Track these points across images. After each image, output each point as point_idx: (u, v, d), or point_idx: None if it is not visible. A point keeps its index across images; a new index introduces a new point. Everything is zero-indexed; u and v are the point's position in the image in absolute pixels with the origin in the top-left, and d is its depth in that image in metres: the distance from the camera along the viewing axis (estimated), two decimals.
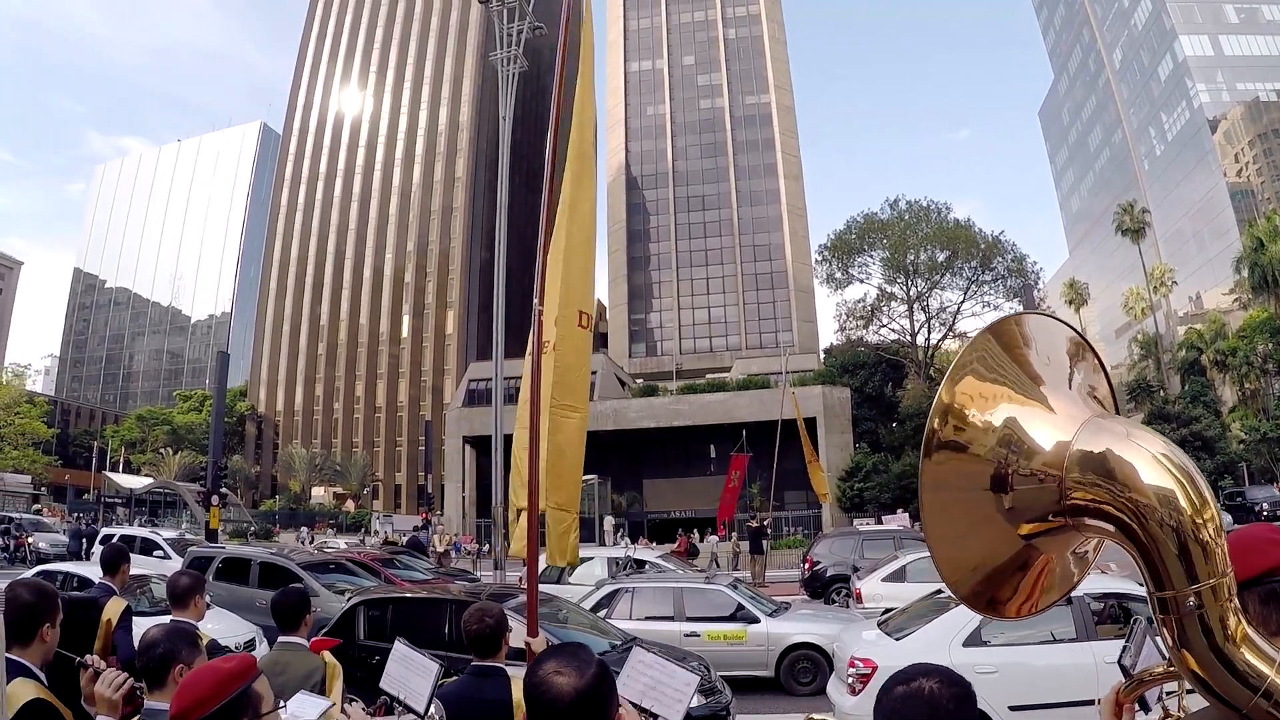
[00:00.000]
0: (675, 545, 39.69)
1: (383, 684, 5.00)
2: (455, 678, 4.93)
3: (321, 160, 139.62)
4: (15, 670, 4.01)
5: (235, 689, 2.89)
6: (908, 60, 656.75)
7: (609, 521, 58.49)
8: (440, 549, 38.69)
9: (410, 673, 4.89)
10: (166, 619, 5.88)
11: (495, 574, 34.99)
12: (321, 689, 5.35)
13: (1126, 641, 3.71)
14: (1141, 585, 7.34)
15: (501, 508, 34.00)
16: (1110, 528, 2.20)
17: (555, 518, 6.25)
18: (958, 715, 2.14)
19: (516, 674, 4.46)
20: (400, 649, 5.01)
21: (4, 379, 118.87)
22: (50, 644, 4.35)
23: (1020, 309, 66.83)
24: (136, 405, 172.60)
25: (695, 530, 52.86)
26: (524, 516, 6.11)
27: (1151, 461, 2.13)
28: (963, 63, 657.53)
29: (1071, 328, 2.61)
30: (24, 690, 3.91)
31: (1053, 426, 2.32)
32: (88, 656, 4.49)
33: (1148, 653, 3.59)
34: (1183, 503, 2.07)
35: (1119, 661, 3.58)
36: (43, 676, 4.19)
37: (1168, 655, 2.59)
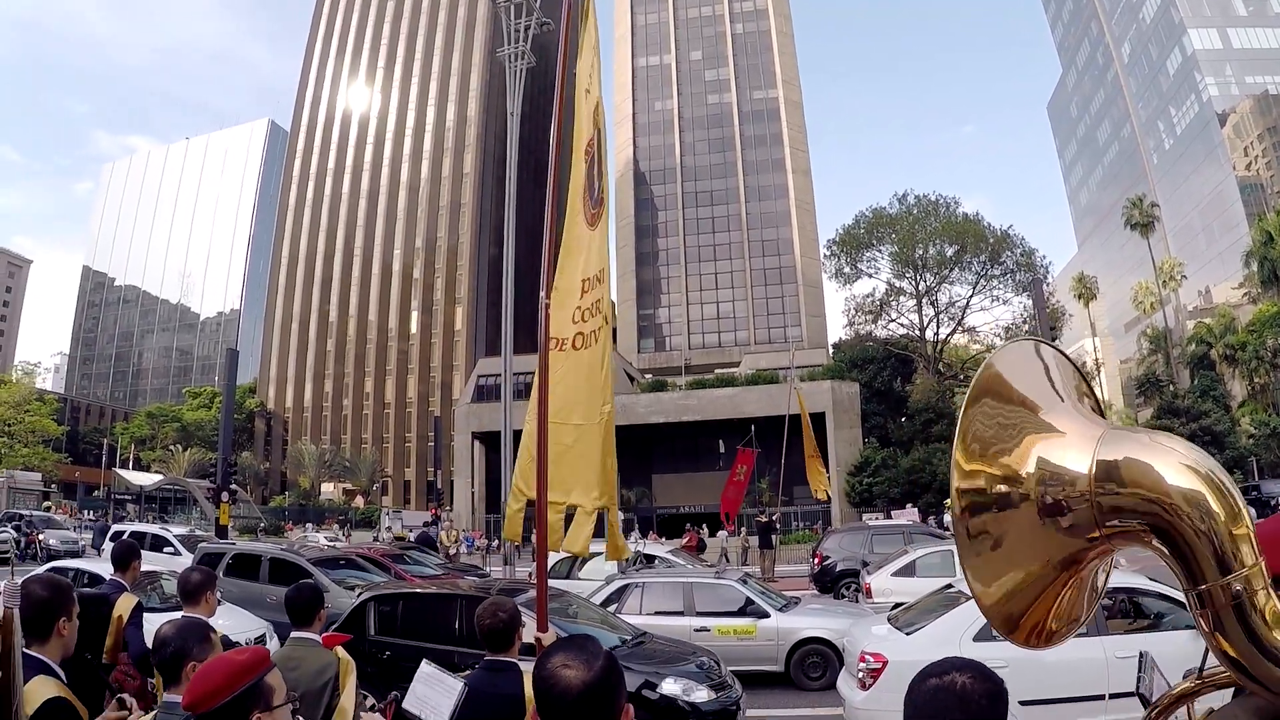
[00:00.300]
0: (685, 540, 39.62)
1: (406, 704, 4.99)
2: (468, 672, 4.94)
3: (329, 157, 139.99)
4: (35, 667, 4.02)
5: (247, 681, 2.89)
6: (912, 56, 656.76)
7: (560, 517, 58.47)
8: (449, 547, 38.56)
9: (434, 691, 4.89)
10: (178, 615, 5.89)
11: (505, 569, 35.03)
12: (335, 685, 5.36)
13: (1140, 672, 3.74)
14: (1153, 581, 7.37)
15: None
16: (1143, 532, 2.23)
17: (614, 514, 6.33)
18: (990, 711, 2.14)
19: (529, 669, 4.47)
20: (425, 669, 5.00)
21: (14, 377, 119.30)
22: (68, 638, 4.36)
23: (1028, 302, 66.93)
24: (146, 402, 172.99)
25: (704, 525, 52.79)
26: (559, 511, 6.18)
27: (1178, 466, 2.19)
28: (967, 57, 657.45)
29: (1039, 340, 2.68)
30: (43, 689, 3.92)
31: (1070, 449, 2.37)
32: (125, 696, 4.52)
33: (1159, 682, 3.62)
34: (1212, 501, 2.14)
35: (1136, 691, 3.61)
36: (62, 674, 4.20)
37: (1170, 684, 2.64)
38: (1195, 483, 2.15)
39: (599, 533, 6.47)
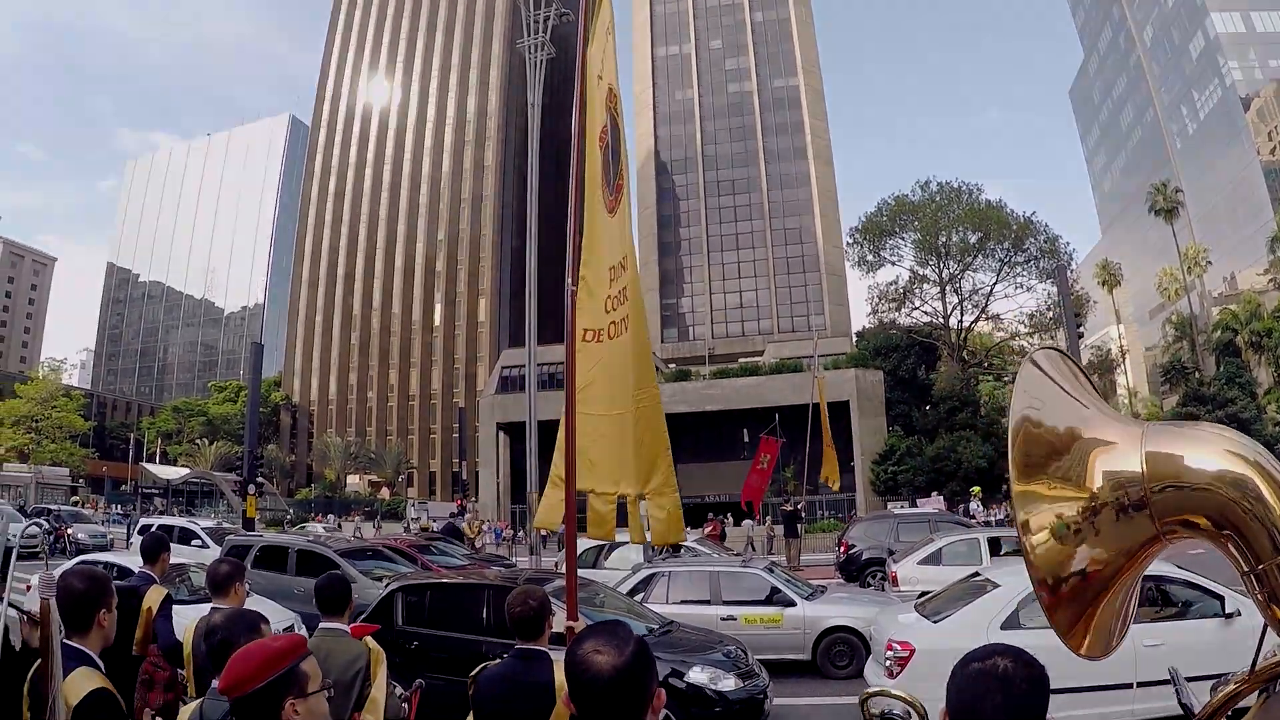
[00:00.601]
0: (709, 529, 39.56)
1: None
2: (497, 660, 4.95)
3: (351, 150, 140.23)
4: (77, 658, 4.09)
5: (283, 667, 2.91)
6: (931, 43, 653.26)
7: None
8: (473, 538, 38.55)
9: None
10: (206, 606, 5.97)
11: (530, 559, 35.09)
12: (366, 675, 5.39)
13: (1176, 685, 3.77)
14: (1181, 569, 7.34)
15: (536, 493, 34.00)
16: (1198, 521, 2.26)
17: (673, 501, 6.33)
18: (1030, 695, 2.19)
19: (559, 657, 4.48)
20: None
21: (40, 373, 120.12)
22: (108, 629, 4.42)
23: (1052, 289, 66.57)
24: (171, 397, 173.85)
25: (729, 514, 52.74)
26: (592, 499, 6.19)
27: (1223, 453, 2.27)
28: (987, 44, 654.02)
29: (1032, 353, 2.76)
30: (86, 681, 3.98)
31: (1116, 455, 2.44)
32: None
33: (1193, 690, 3.65)
34: (1261, 485, 2.20)
35: (1179, 701, 3.63)
36: (101, 665, 4.25)
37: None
38: (1243, 468, 2.20)
39: (623, 522, 6.46)
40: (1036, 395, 2.67)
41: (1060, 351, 2.83)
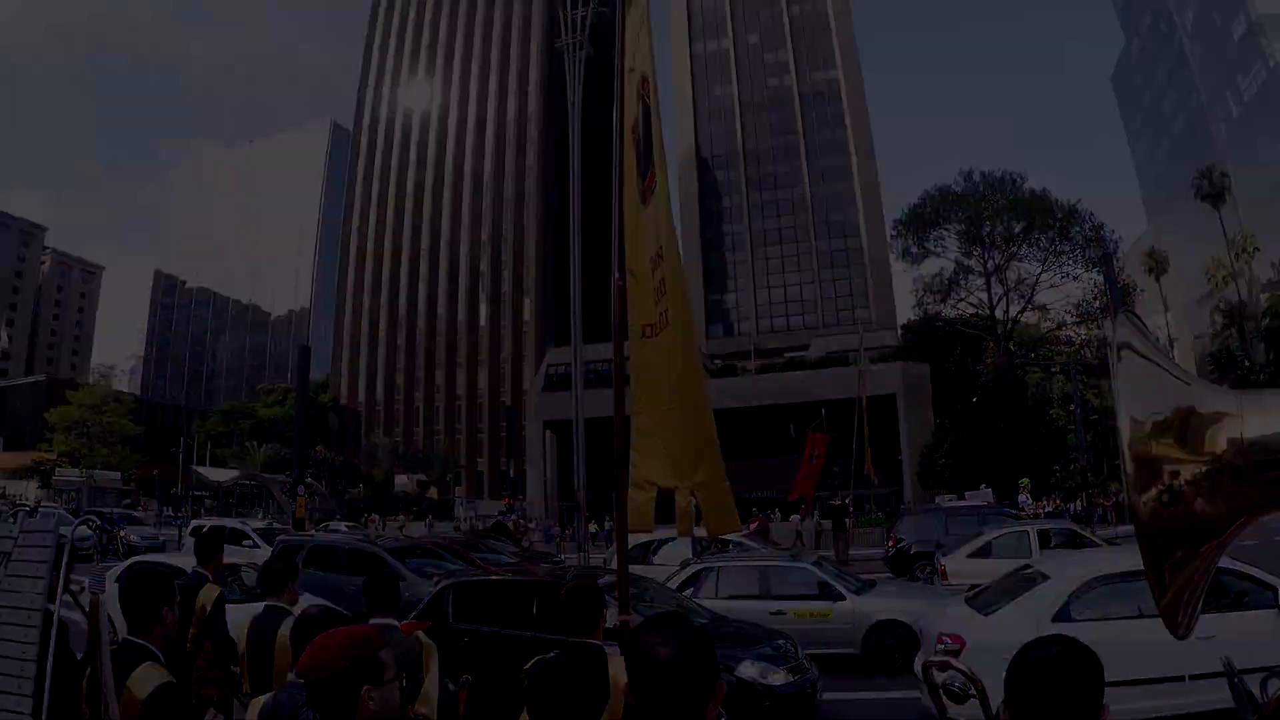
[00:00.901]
0: (753, 524, 39.46)
1: None
2: (551, 654, 4.96)
3: (393, 154, 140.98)
4: (141, 654, 4.21)
5: (363, 653, 2.94)
6: (970, 29, 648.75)
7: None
8: (518, 536, 38.65)
9: None
10: (259, 605, 6.07)
11: (579, 555, 35.17)
12: (418, 668, 5.44)
13: (1234, 677, 3.75)
14: (1234, 560, 7.31)
15: (584, 491, 34.07)
16: None
17: (725, 491, 6.32)
18: (1086, 684, 2.25)
19: (613, 651, 4.49)
20: None
21: (91, 379, 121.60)
22: (171, 625, 4.51)
23: (1099, 278, 65.94)
24: (220, 401, 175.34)
25: (775, 510, 52.63)
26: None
27: None
28: (1028, 29, 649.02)
29: (1124, 316, 2.71)
30: (152, 675, 4.09)
31: (1227, 422, 2.36)
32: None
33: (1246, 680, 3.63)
34: None
35: (1244, 691, 3.61)
36: (163, 659, 4.32)
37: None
38: None
39: (672, 518, 6.42)
40: (1136, 369, 2.64)
41: (1130, 315, 2.78)
